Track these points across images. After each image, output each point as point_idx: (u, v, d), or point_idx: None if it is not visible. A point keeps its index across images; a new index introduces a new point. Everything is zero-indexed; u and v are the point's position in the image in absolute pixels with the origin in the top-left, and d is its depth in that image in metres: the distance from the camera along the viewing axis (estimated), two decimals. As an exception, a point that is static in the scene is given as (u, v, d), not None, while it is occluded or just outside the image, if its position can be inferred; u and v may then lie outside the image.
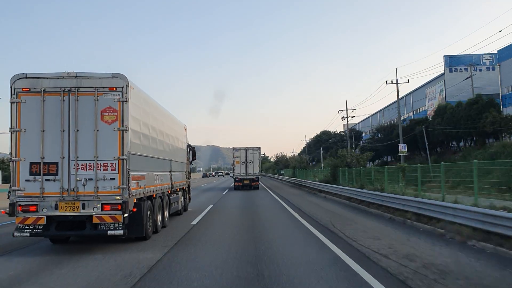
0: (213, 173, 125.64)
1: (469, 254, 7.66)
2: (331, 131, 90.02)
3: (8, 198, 8.24)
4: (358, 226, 11.71)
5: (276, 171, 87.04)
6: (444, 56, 51.49)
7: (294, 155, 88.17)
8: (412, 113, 61.08)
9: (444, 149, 42.08)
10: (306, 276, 6.22)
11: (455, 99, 40.59)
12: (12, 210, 8.18)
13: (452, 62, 50.60)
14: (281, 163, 79.43)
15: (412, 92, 62.25)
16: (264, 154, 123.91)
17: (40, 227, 8.24)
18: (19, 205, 8.15)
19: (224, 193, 29.90)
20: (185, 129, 16.28)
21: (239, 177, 33.38)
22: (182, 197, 15.41)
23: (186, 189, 16.57)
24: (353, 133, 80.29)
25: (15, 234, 8.24)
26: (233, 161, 33.87)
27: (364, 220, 13.09)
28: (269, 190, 32.19)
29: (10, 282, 6.34)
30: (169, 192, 12.63)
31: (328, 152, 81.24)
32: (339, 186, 23.24)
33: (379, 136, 51.17)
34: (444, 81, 50.43)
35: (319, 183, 29.51)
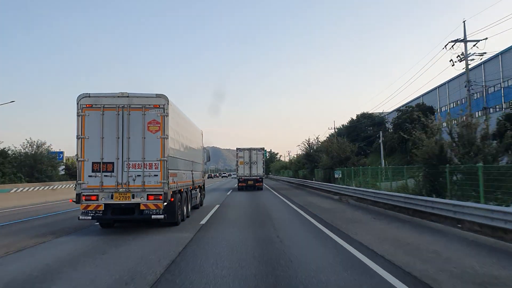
0: (217, 174, 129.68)
1: None
2: (374, 114, 63.52)
3: (75, 190, 10.64)
4: None
5: (307, 172, 43.67)
6: None
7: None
8: None
9: None
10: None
11: None
12: (78, 199, 10.57)
13: None
14: (332, 157, 32.45)
15: None
16: (270, 151, 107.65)
17: (99, 212, 10.60)
18: (83, 195, 10.53)
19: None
20: (202, 134, 18.69)
21: (243, 177, 33.25)
22: (199, 194, 17.80)
23: (202, 187, 18.96)
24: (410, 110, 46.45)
25: (80, 217, 10.62)
26: (237, 161, 33.49)
27: None
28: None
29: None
30: (191, 188, 15.01)
31: (372, 144, 55.17)
32: None
33: None
34: None
35: None
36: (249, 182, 33.24)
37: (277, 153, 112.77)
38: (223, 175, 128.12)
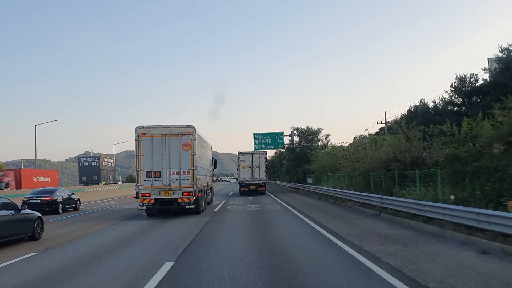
0: (219, 179, 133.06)
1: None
2: None
3: (135, 189, 16.07)
4: None
5: None
6: None
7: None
8: None
9: None
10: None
11: None
12: (136, 195, 16.01)
13: None
14: None
15: None
16: (298, 129, 43.76)
17: (151, 204, 16.01)
18: (140, 193, 15.94)
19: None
20: (211, 147, 24.15)
21: (245, 182, 32.49)
22: (210, 193, 23.28)
23: (212, 188, 24.43)
24: None
25: (138, 207, 16.10)
26: (239, 165, 33.23)
27: None
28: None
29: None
30: (206, 189, 20.45)
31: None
32: None
33: None
34: None
35: None
36: (251, 187, 32.45)
37: (322, 129, 45.08)
38: (224, 179, 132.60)
